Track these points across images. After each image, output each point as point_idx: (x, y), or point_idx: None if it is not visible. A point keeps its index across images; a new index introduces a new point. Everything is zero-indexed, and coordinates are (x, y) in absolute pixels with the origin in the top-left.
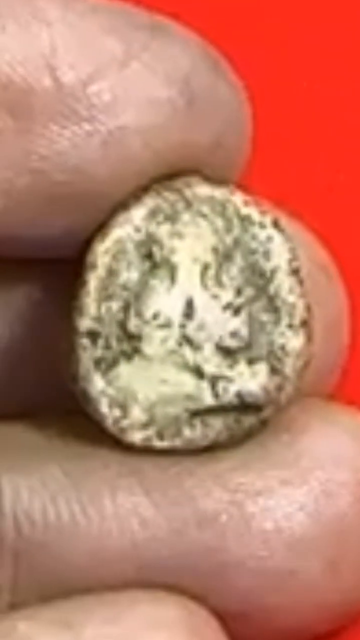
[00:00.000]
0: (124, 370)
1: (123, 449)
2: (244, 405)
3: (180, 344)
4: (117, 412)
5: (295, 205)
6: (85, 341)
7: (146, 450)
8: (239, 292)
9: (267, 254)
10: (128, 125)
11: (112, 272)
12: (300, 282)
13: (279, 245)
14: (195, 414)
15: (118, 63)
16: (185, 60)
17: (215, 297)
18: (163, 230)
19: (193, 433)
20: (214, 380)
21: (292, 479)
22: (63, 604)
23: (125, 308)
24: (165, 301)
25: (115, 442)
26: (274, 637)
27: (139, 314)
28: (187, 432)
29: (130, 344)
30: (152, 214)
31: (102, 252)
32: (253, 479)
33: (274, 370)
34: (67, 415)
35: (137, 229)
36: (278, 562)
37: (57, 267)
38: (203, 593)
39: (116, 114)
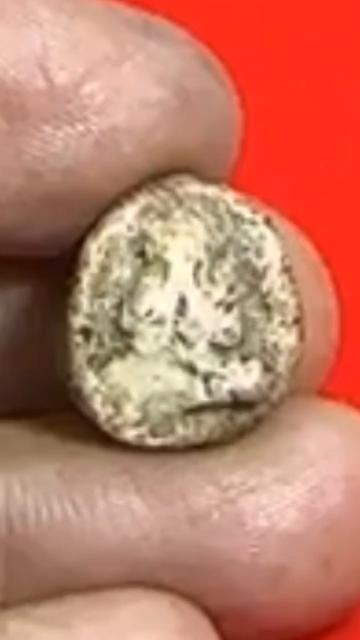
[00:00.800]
0: (117, 368)
1: (115, 447)
2: (237, 403)
3: (173, 341)
4: (110, 410)
5: (290, 205)
6: (78, 338)
7: (139, 448)
8: (231, 289)
9: (259, 252)
10: (120, 125)
11: (105, 270)
12: (292, 280)
13: (271, 243)
14: (189, 411)
15: (110, 63)
16: (178, 60)
17: (207, 294)
18: (155, 228)
19: (186, 430)
20: (207, 377)
21: (284, 476)
22: (56, 602)
23: (119, 305)
24: (158, 298)
25: (107, 440)
26: (268, 634)
27: (132, 311)
28: (180, 429)
29: (124, 341)
30: (144, 211)
31: (95, 250)
32: (245, 477)
33: (266, 368)
34: (59, 413)
35: (130, 227)
36: (271, 560)
37: (50, 265)
38: (196, 591)
39: (109, 115)
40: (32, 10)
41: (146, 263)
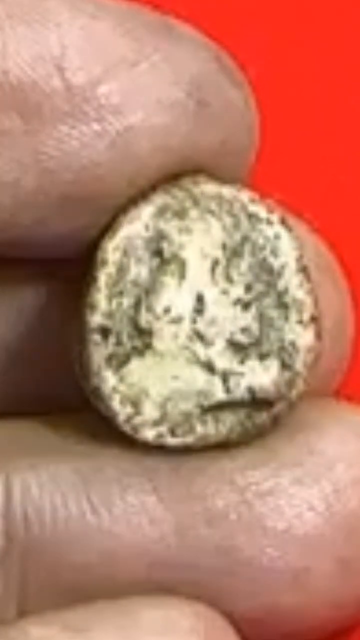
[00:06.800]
0: (136, 367)
1: (133, 447)
2: (255, 401)
3: (191, 339)
4: (129, 409)
5: (296, 205)
6: (96, 337)
7: (157, 448)
8: (248, 288)
9: (275, 251)
10: (137, 126)
11: (122, 269)
12: (309, 279)
13: (287, 243)
14: (208, 409)
15: (127, 64)
16: (194, 61)
17: (225, 292)
18: (172, 227)
19: (205, 429)
20: (225, 375)
21: (302, 478)
22: (75, 609)
23: (136, 304)
24: (175, 296)
25: (125, 440)
26: (288, 637)
27: (149, 310)
28: (199, 428)
29: (142, 340)
30: (161, 211)
31: (112, 249)
32: (263, 478)
33: (284, 366)
34: (77, 413)
35: (146, 226)
36: (289, 562)
37: (64, 265)
38: (216, 593)
39: (125, 115)
40: (50, 10)
41: (163, 262)
